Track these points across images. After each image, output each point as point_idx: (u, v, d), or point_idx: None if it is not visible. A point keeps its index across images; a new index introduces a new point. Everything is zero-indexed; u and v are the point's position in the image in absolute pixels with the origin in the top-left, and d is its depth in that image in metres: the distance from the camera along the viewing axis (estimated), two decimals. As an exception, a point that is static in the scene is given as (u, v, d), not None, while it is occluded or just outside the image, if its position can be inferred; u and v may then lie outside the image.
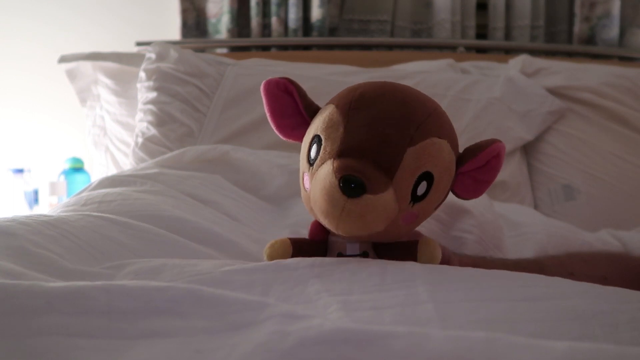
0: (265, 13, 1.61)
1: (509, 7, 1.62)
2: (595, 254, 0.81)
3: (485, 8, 1.64)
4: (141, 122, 1.24)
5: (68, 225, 0.57)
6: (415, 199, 0.47)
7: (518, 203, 1.15)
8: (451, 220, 0.77)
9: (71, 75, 1.42)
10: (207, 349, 0.31)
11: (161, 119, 1.22)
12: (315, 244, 0.52)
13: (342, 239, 0.50)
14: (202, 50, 1.56)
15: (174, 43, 1.41)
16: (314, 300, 0.40)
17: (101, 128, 1.42)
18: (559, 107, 1.27)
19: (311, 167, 0.48)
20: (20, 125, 1.74)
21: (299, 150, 0.52)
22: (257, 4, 1.58)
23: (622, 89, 1.29)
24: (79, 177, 1.55)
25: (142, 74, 1.28)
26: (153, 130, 1.21)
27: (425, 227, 0.65)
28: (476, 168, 0.49)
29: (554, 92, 1.29)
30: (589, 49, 1.62)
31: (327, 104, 0.51)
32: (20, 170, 1.53)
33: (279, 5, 1.58)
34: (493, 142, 0.49)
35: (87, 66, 1.40)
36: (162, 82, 1.25)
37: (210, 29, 1.63)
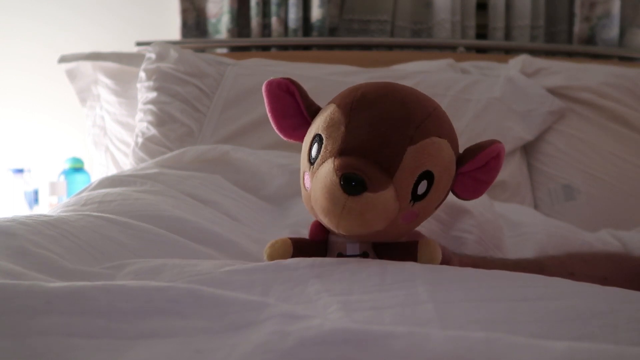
0: (265, 13, 1.61)
1: (509, 7, 1.62)
2: (596, 254, 0.81)
3: (485, 8, 1.64)
4: (141, 122, 1.24)
5: (68, 225, 0.57)
6: (416, 198, 0.47)
7: (518, 203, 1.15)
8: (451, 220, 0.77)
9: (71, 75, 1.42)
10: (207, 349, 0.31)
11: (161, 119, 1.22)
12: (316, 244, 0.52)
13: (342, 239, 0.51)
14: (202, 50, 1.56)
15: (174, 43, 1.41)
16: (314, 301, 0.40)
17: (101, 128, 1.42)
18: (559, 107, 1.27)
19: (312, 166, 0.49)
20: (20, 125, 1.74)
21: (299, 150, 0.52)
22: (257, 4, 1.58)
23: (622, 89, 1.29)
24: (79, 177, 1.56)
25: (142, 74, 1.28)
26: (153, 130, 1.21)
27: (426, 227, 0.65)
28: (476, 168, 0.50)
29: (554, 92, 1.29)
30: (589, 49, 1.62)
31: (329, 103, 0.51)
32: (20, 170, 1.53)
33: (279, 5, 1.58)
34: (493, 142, 0.49)
35: (87, 66, 1.40)
36: (162, 82, 1.25)
37: (210, 29, 1.63)
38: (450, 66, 1.41)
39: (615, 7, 1.60)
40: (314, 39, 1.59)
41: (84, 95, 1.43)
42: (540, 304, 0.39)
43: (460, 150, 0.51)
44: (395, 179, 0.46)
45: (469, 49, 1.60)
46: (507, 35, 1.63)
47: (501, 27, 1.61)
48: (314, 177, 0.48)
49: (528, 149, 1.28)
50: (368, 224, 0.46)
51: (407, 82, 1.24)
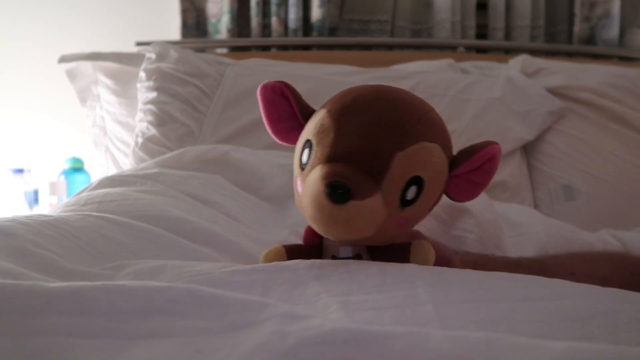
0: (265, 13, 1.61)
1: (509, 7, 1.62)
2: (596, 254, 0.81)
3: (485, 8, 1.64)
4: (141, 122, 1.24)
5: (68, 225, 0.57)
6: (405, 203, 0.47)
7: (518, 203, 1.15)
8: (451, 220, 0.77)
9: (71, 75, 1.42)
10: (207, 349, 0.31)
11: (161, 119, 1.22)
12: (310, 249, 0.52)
13: (335, 242, 0.51)
14: (202, 50, 1.56)
15: (174, 43, 1.41)
16: (313, 301, 0.40)
17: (101, 128, 1.42)
18: (559, 107, 1.27)
19: (302, 172, 0.49)
20: (20, 125, 1.74)
21: None
22: (257, 4, 1.58)
23: (622, 89, 1.29)
24: (79, 177, 1.56)
25: (142, 74, 1.28)
26: (153, 130, 1.21)
27: (426, 227, 0.65)
28: (470, 170, 0.49)
29: (554, 92, 1.29)
30: (589, 49, 1.62)
31: (321, 107, 0.51)
32: (20, 170, 1.53)
33: (279, 5, 1.58)
34: (488, 144, 0.48)
35: (87, 66, 1.41)
36: (162, 82, 1.25)
37: (210, 29, 1.63)
38: (450, 66, 1.41)
39: (615, 7, 1.60)
40: (314, 39, 1.59)
41: (84, 95, 1.43)
42: (540, 304, 0.39)
43: (456, 152, 0.50)
44: (383, 186, 0.45)
45: (469, 49, 1.60)
46: (507, 35, 1.63)
47: (501, 27, 1.61)
48: (304, 184, 0.48)
49: (528, 149, 1.28)
50: (356, 231, 0.46)
51: (407, 82, 1.25)
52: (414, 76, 1.28)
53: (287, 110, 0.52)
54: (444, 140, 0.49)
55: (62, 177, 1.55)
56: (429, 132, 0.48)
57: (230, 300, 0.34)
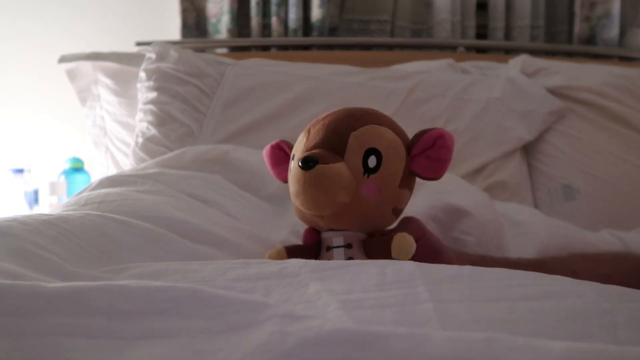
0: (265, 13, 1.61)
1: (509, 7, 1.62)
2: (598, 253, 0.81)
3: (485, 8, 1.64)
4: (141, 122, 1.24)
5: (68, 224, 0.57)
6: (369, 170, 0.56)
7: (518, 203, 1.15)
8: (450, 222, 0.77)
9: (71, 75, 1.42)
10: (207, 349, 0.31)
11: (161, 119, 1.22)
12: (309, 248, 0.60)
13: (330, 233, 0.58)
14: (202, 50, 1.56)
15: (174, 43, 1.41)
16: (313, 300, 0.40)
17: (101, 128, 1.42)
18: (559, 107, 1.27)
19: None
20: (20, 125, 1.74)
21: None
22: (257, 4, 1.58)
23: (622, 89, 1.29)
24: (79, 177, 1.56)
25: (142, 74, 1.28)
26: (153, 130, 1.21)
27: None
28: (426, 149, 0.58)
29: (554, 92, 1.29)
30: (589, 49, 1.62)
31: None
32: (21, 170, 1.53)
33: (279, 5, 1.58)
34: (435, 128, 0.58)
35: (87, 66, 1.41)
36: (162, 82, 1.25)
37: (210, 29, 1.63)
38: (450, 66, 1.41)
39: (615, 7, 1.60)
40: (314, 39, 1.59)
41: (84, 95, 1.43)
42: (540, 303, 0.39)
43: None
44: (345, 158, 0.56)
45: (469, 49, 1.60)
46: (507, 35, 1.63)
47: (501, 27, 1.61)
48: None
49: (528, 149, 1.28)
50: (329, 192, 0.54)
51: (407, 82, 1.26)
52: (414, 76, 1.28)
53: (284, 157, 0.66)
54: (394, 127, 0.59)
55: (62, 177, 1.55)
56: (377, 119, 0.59)
57: (230, 301, 0.34)
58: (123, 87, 1.38)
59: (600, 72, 1.34)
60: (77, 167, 1.57)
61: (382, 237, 0.57)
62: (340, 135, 0.57)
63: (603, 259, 0.76)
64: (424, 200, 0.78)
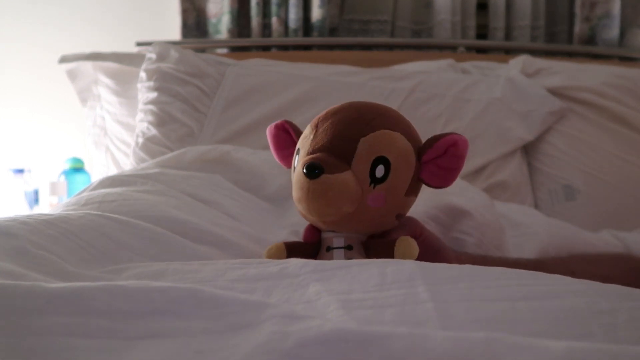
0: (265, 13, 1.61)
1: (509, 7, 1.62)
2: (598, 254, 0.81)
3: (485, 8, 1.64)
4: (142, 122, 1.24)
5: (68, 224, 0.57)
6: (376, 180, 0.54)
7: (518, 203, 1.15)
8: (451, 222, 0.77)
9: (72, 75, 1.42)
10: (207, 349, 0.31)
11: (162, 119, 1.22)
12: (309, 246, 0.58)
13: (331, 233, 0.57)
14: (202, 50, 1.56)
15: (175, 43, 1.41)
16: (313, 300, 0.40)
17: (101, 128, 1.42)
18: (559, 108, 1.27)
19: (294, 173, 0.56)
20: (20, 125, 1.74)
21: None
22: (258, 4, 1.58)
23: (623, 89, 1.29)
24: (79, 177, 1.56)
25: (143, 74, 1.28)
26: (153, 131, 1.21)
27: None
28: (438, 156, 0.55)
29: (554, 92, 1.29)
30: (589, 49, 1.62)
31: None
32: (21, 170, 1.53)
33: (279, 5, 1.58)
34: (451, 134, 0.56)
35: (87, 66, 1.41)
36: (163, 82, 1.25)
37: (211, 29, 1.63)
38: (451, 66, 1.41)
39: (616, 7, 1.60)
40: (314, 39, 1.59)
41: (85, 95, 1.43)
42: (540, 303, 0.39)
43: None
44: (352, 165, 0.54)
45: (469, 49, 1.60)
46: (508, 36, 1.63)
47: (501, 27, 1.61)
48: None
49: (528, 149, 1.28)
50: (333, 203, 0.53)
51: (408, 82, 1.26)
52: (414, 76, 1.28)
53: (288, 141, 0.62)
54: (406, 131, 0.56)
55: (63, 177, 1.55)
56: (389, 123, 0.55)
57: (231, 301, 0.34)
58: (123, 87, 1.38)
59: (600, 72, 1.34)
60: (77, 167, 1.57)
61: (384, 239, 0.56)
62: (348, 140, 0.54)
63: (603, 260, 0.76)
64: (424, 200, 0.78)
